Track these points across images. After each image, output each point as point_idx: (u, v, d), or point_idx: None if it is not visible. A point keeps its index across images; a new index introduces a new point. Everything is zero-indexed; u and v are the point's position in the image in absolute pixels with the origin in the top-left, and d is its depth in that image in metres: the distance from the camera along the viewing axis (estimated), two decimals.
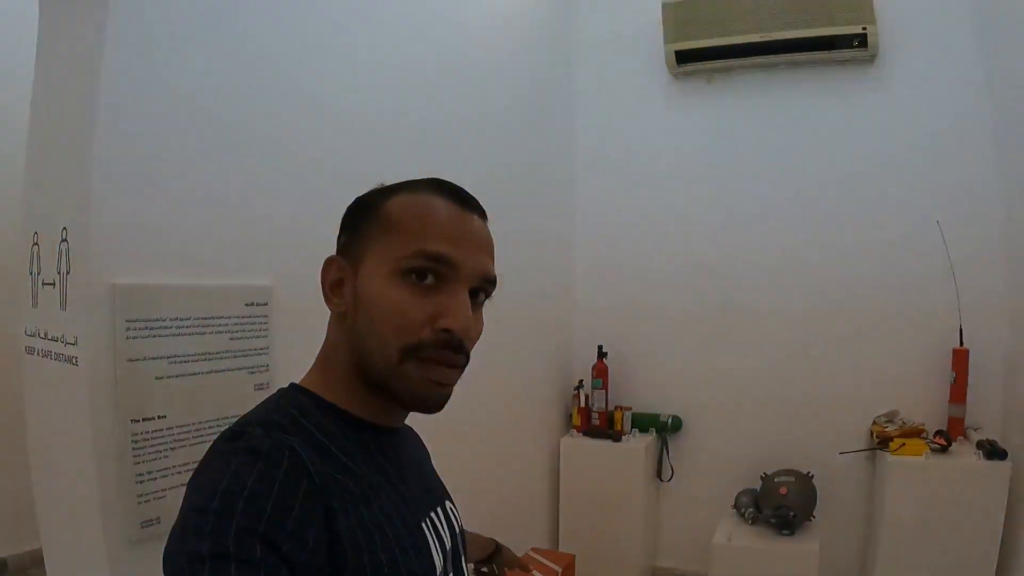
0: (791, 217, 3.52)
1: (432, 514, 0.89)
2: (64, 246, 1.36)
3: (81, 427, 1.34)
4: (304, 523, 0.68)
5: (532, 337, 3.42)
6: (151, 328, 1.37)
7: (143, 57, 1.40)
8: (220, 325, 1.50)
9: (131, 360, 1.34)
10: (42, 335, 1.47)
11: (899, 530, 2.95)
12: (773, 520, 3.11)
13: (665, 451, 3.70)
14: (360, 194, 0.89)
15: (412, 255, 0.79)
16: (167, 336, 1.40)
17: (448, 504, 0.97)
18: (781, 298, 3.53)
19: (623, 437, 3.57)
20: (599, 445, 3.55)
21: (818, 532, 3.16)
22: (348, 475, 0.77)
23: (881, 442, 3.15)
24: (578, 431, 3.67)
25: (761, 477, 3.31)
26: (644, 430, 3.65)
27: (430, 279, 0.80)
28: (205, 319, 1.46)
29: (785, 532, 3.10)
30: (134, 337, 1.34)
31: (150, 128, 1.42)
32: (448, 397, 0.85)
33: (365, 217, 0.85)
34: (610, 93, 3.88)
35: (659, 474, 3.71)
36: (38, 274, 1.47)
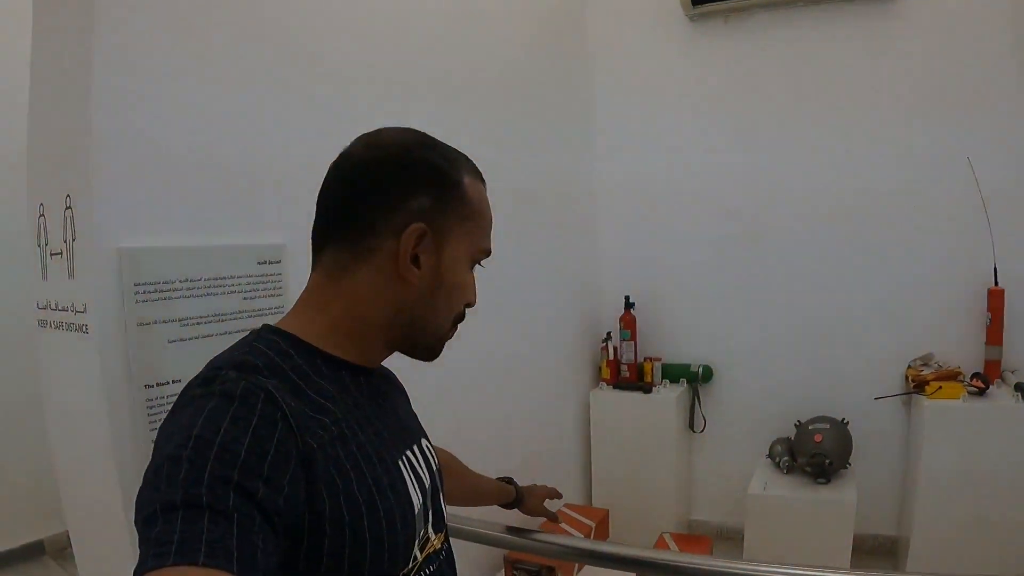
0: (815, 158, 3.41)
1: (408, 452, 0.91)
2: (69, 213, 1.33)
3: (95, 396, 1.31)
4: (279, 468, 0.68)
5: (557, 291, 3.38)
6: (161, 291, 1.33)
7: (141, 15, 1.35)
8: (233, 285, 1.46)
9: (141, 324, 1.31)
10: (53, 306, 1.44)
11: (937, 475, 2.89)
12: (808, 468, 3.07)
13: (696, 401, 3.65)
14: (402, 138, 0.89)
15: (483, 251, 0.93)
16: (178, 299, 1.36)
17: (424, 442, 0.99)
18: (810, 241, 3.44)
19: (654, 388, 3.53)
20: (630, 397, 3.51)
21: (854, 479, 3.12)
22: (324, 414, 0.78)
23: (917, 386, 3.09)
24: (607, 384, 3.62)
25: (795, 425, 3.26)
26: (675, 381, 3.61)
27: None
28: (216, 279, 1.42)
29: (821, 480, 3.06)
30: (143, 301, 1.31)
31: (151, 87, 1.37)
32: None
33: (448, 192, 0.87)
34: (626, 38, 3.77)
35: (691, 425, 3.66)
36: (46, 245, 1.44)
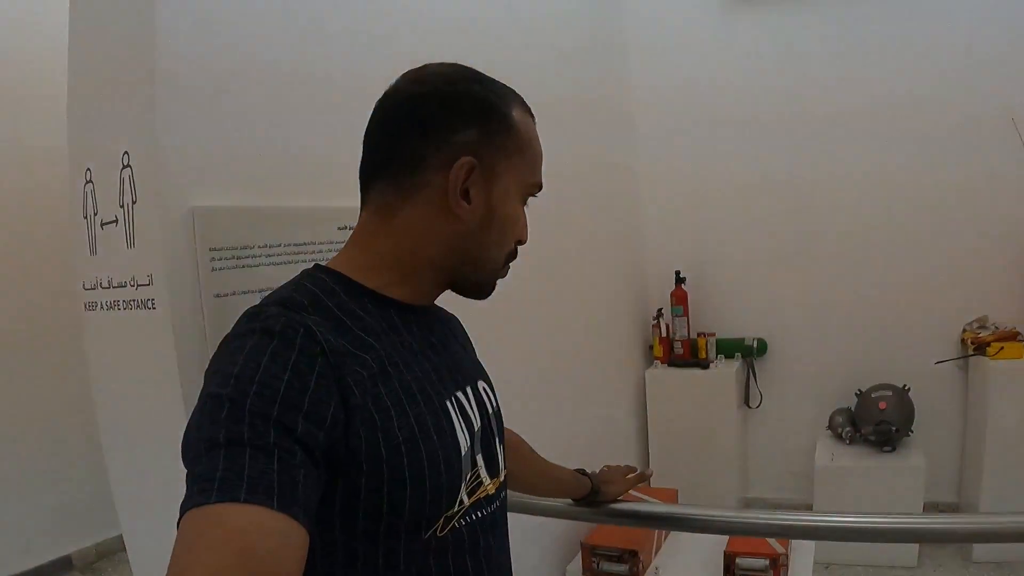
0: (862, 128, 3.35)
1: (459, 393, 0.88)
2: (127, 173, 1.15)
3: (166, 378, 1.12)
4: (319, 402, 0.69)
5: (606, 270, 3.28)
6: (239, 258, 1.15)
7: None
8: (314, 252, 1.27)
9: (219, 295, 1.13)
10: (105, 284, 1.26)
11: (1004, 435, 2.88)
12: (873, 437, 3.01)
13: (752, 376, 3.55)
14: (447, 72, 0.87)
15: (534, 186, 0.91)
16: (257, 267, 1.18)
17: (481, 384, 0.96)
18: (859, 210, 3.39)
19: (711, 364, 3.43)
20: (687, 374, 3.42)
21: (919, 446, 3.08)
22: (367, 351, 0.78)
23: (977, 348, 3.04)
24: (662, 362, 3.53)
25: (856, 394, 3.19)
26: (729, 356, 3.52)
27: None
28: (297, 245, 1.24)
29: (887, 448, 3.03)
30: (220, 268, 1.13)
31: (222, 27, 1.19)
32: None
33: (496, 125, 0.85)
34: (666, 11, 3.66)
35: (746, 401, 3.56)
36: (95, 215, 1.26)
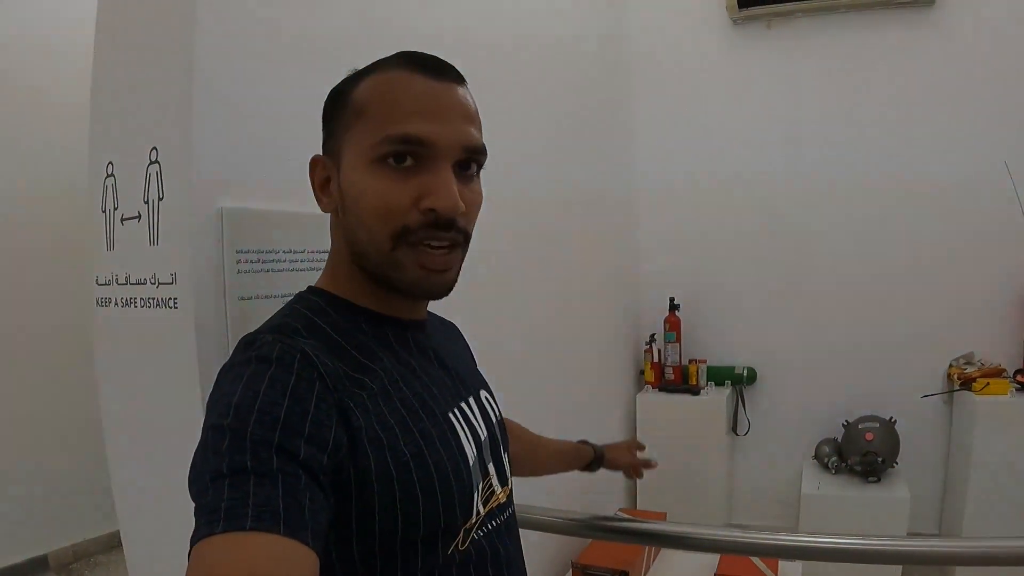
0: (856, 161, 3.41)
1: (463, 404, 0.88)
2: (154, 168, 1.14)
3: (185, 380, 1.11)
4: (321, 425, 0.69)
5: (600, 295, 3.30)
6: (265, 262, 1.15)
7: None
8: None
9: (243, 299, 1.12)
10: (122, 280, 1.25)
11: (987, 472, 2.93)
12: (859, 467, 3.06)
13: (741, 404, 3.58)
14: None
15: (382, 141, 0.77)
16: (281, 271, 1.18)
17: (484, 394, 0.96)
18: (851, 243, 3.45)
19: (702, 390, 3.46)
20: (677, 400, 3.45)
21: (903, 477, 3.12)
22: (365, 372, 0.78)
23: (963, 383, 3.10)
24: (653, 387, 3.55)
25: (843, 424, 3.24)
26: (719, 383, 3.55)
27: (409, 161, 0.77)
28: (320, 252, 1.24)
29: (872, 479, 3.07)
30: (246, 271, 1.12)
31: (259, 32, 1.20)
32: (449, 281, 0.83)
33: (337, 108, 0.84)
34: (668, 41, 3.73)
35: (734, 428, 3.58)
36: (115, 210, 1.25)
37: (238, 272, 1.12)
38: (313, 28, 1.33)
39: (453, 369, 0.92)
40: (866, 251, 3.41)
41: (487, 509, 0.86)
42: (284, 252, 1.19)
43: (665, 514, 2.64)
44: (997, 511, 2.84)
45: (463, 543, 0.81)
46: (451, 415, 0.84)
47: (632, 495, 3.47)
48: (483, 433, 0.90)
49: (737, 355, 3.62)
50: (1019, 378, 2.99)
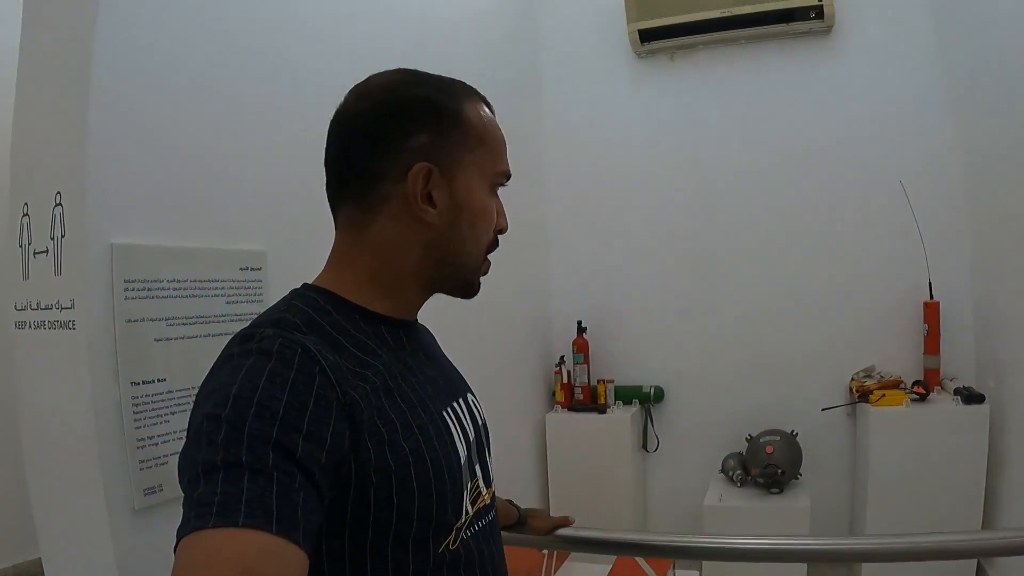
0: (760, 185, 3.56)
1: (454, 403, 0.90)
2: (59, 210, 1.35)
3: (81, 391, 1.32)
4: (319, 421, 0.68)
5: (512, 318, 3.42)
6: (150, 290, 1.36)
7: (137, 21, 1.39)
8: (216, 288, 1.49)
9: (130, 321, 1.33)
10: (34, 306, 1.45)
11: (885, 480, 3.02)
12: (761, 479, 3.16)
13: (649, 422, 3.72)
14: (389, 81, 0.88)
15: (501, 174, 0.91)
16: (165, 298, 1.39)
17: (471, 397, 0.99)
18: (754, 263, 3.58)
19: (608, 409, 3.59)
20: (585, 419, 3.57)
21: (806, 489, 3.23)
22: (366, 368, 0.78)
23: (861, 396, 3.22)
24: (562, 407, 3.67)
25: (746, 439, 3.36)
26: (627, 402, 3.67)
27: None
28: (202, 282, 1.46)
29: (774, 491, 3.17)
30: (133, 298, 1.33)
31: (145, 91, 1.41)
32: None
33: (447, 122, 0.86)
34: (576, 74, 3.89)
35: (644, 445, 3.73)
36: (28, 245, 1.46)
37: (126, 299, 1.33)
38: (208, 74, 1.56)
39: (443, 370, 0.96)
40: (769, 272, 3.55)
41: (475, 509, 0.87)
42: (168, 281, 1.40)
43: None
44: (896, 518, 2.92)
45: (453, 543, 0.82)
46: (444, 414, 0.86)
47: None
48: (472, 434, 0.91)
49: (645, 375, 3.74)
50: (917, 388, 3.10)
